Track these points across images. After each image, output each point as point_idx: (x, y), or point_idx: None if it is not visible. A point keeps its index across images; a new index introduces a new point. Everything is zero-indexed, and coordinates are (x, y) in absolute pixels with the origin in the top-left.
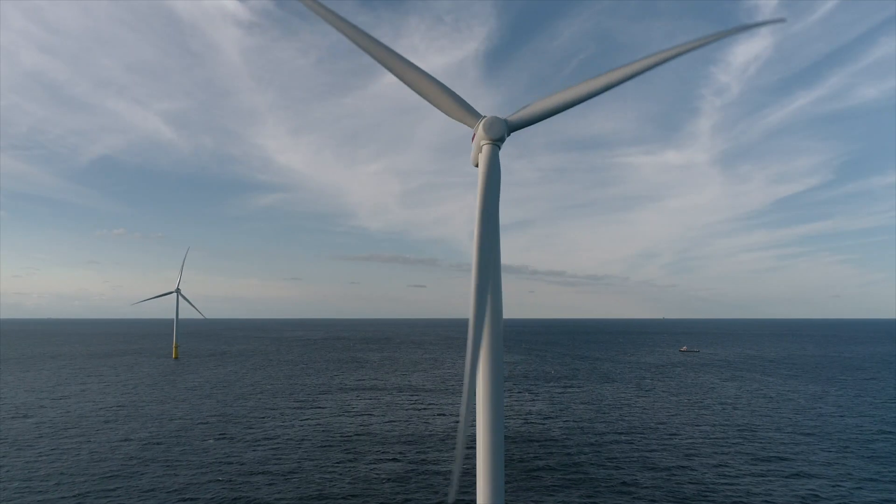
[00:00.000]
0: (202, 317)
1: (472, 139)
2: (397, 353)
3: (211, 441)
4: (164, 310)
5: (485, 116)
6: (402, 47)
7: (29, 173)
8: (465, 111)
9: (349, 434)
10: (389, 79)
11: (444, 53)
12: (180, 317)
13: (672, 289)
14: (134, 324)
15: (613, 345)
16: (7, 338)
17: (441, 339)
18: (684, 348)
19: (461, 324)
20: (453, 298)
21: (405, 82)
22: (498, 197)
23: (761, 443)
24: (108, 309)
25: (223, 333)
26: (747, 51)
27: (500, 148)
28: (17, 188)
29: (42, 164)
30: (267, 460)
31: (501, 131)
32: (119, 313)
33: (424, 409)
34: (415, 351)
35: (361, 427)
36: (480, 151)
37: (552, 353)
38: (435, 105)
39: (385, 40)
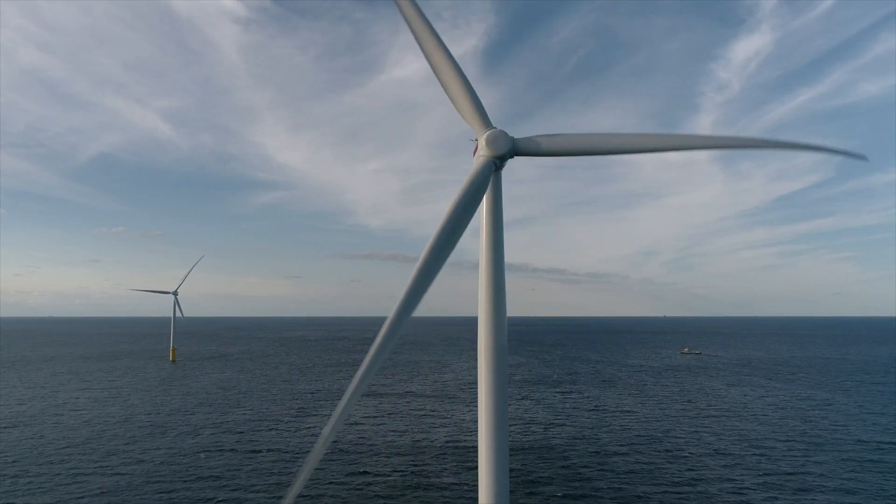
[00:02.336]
0: (181, 316)
1: (474, 153)
2: (398, 354)
3: (202, 455)
4: (164, 308)
5: (493, 128)
6: (400, 44)
7: (28, 171)
8: (478, 116)
9: (347, 446)
10: (388, 76)
11: None
12: (179, 316)
13: (672, 287)
14: (135, 322)
15: (615, 345)
16: (7, 338)
17: (442, 339)
18: (685, 350)
19: (462, 322)
20: (454, 296)
21: (431, 63)
22: (470, 216)
23: (768, 455)
24: (110, 307)
25: (223, 334)
26: (748, 47)
27: (499, 167)
28: (17, 186)
29: (41, 162)
30: (260, 475)
31: (505, 147)
32: (121, 311)
33: (424, 416)
34: (416, 352)
35: (360, 438)
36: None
37: (554, 355)
38: (450, 97)
39: (383, 37)
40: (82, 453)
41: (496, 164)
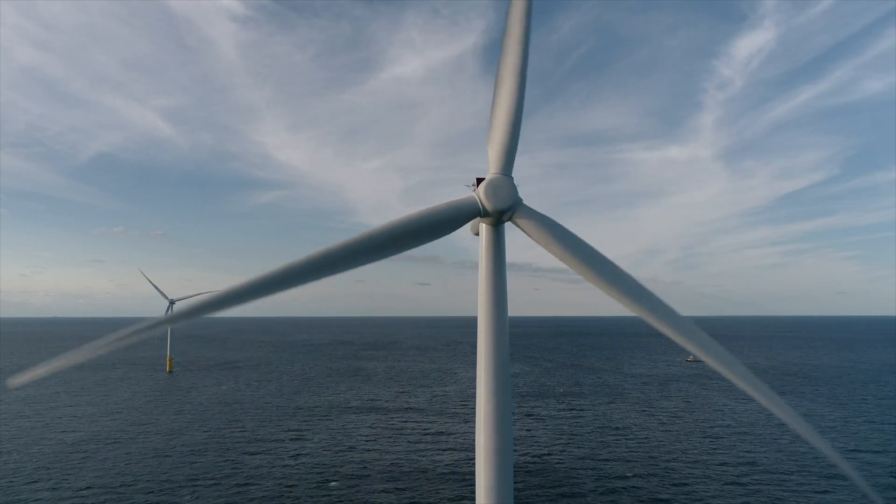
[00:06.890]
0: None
1: (474, 189)
2: (402, 361)
3: (187, 497)
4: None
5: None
6: (400, 42)
7: (28, 171)
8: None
9: (345, 471)
10: (388, 74)
11: (442, 47)
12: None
13: (677, 286)
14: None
15: (619, 350)
16: (7, 340)
17: (447, 343)
18: (691, 358)
19: (466, 322)
20: (458, 296)
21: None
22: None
23: (784, 487)
24: (115, 307)
25: (225, 337)
26: (750, 44)
27: (509, 219)
28: (18, 186)
29: (41, 162)
30: None
31: (511, 196)
32: (125, 312)
33: (427, 434)
34: (420, 359)
35: (359, 462)
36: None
37: (557, 362)
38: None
39: (382, 34)
40: (62, 482)
41: (503, 222)
